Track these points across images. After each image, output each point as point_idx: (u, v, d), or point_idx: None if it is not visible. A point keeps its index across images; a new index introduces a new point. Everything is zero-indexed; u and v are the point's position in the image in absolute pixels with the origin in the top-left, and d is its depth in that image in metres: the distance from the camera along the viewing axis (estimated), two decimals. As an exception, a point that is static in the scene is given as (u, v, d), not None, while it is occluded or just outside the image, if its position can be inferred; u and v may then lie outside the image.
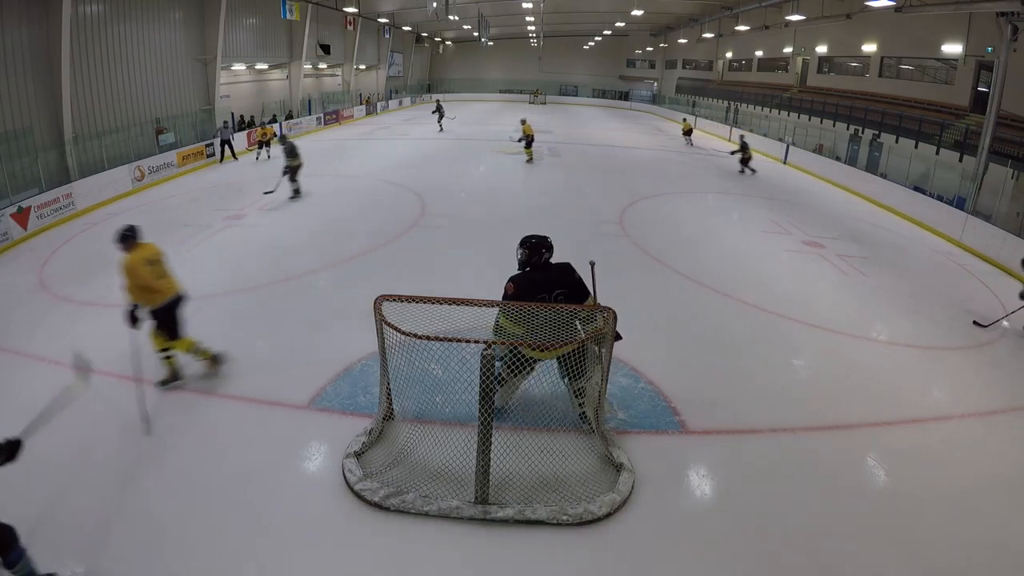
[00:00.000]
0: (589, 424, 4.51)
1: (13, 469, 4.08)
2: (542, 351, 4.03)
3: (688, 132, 23.21)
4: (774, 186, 15.58)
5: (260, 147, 17.60)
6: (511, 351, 4.02)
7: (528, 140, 16.62)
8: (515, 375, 4.37)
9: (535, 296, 4.23)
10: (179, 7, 16.40)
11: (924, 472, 4.41)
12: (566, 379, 4.48)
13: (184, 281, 7.47)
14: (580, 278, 4.49)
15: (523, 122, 17.02)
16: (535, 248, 4.44)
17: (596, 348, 4.35)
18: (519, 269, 4.49)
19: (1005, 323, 7.30)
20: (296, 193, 11.91)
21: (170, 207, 11.54)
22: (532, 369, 4.44)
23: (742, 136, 18.17)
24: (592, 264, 4.74)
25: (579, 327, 4.26)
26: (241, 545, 3.52)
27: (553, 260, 4.56)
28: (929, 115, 16.23)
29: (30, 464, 4.17)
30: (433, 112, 24.96)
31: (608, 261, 8.64)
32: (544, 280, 4.36)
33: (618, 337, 4.39)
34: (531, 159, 16.79)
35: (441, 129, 23.79)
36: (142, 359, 4.98)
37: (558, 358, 4.33)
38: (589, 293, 4.48)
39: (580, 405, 4.59)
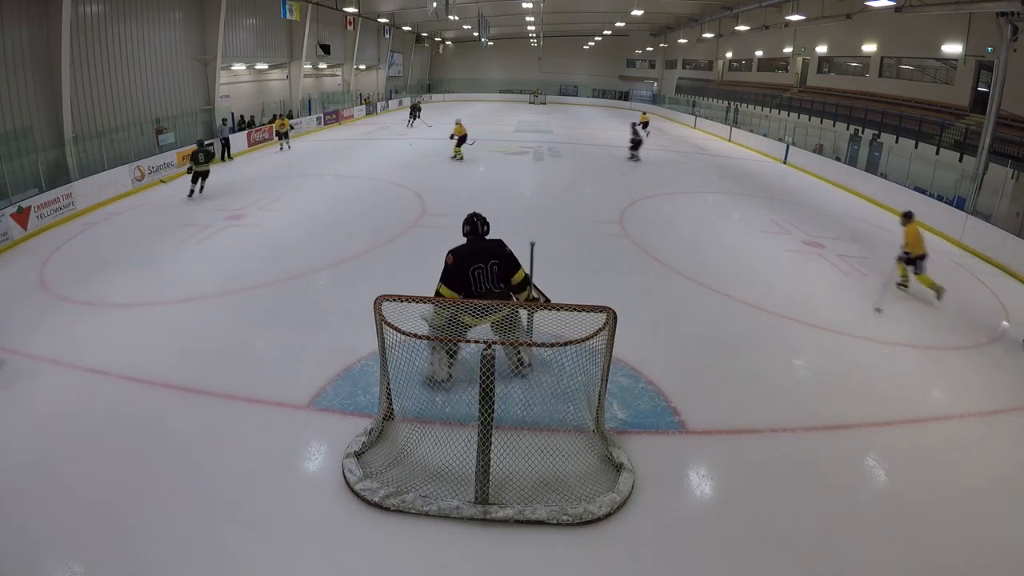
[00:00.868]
0: (528, 369, 5.03)
1: (15, 468, 4.10)
2: (477, 318, 4.52)
3: (645, 124, 24.43)
4: (774, 186, 15.58)
5: (280, 138, 17.94)
6: (447, 319, 4.35)
7: (460, 139, 16.78)
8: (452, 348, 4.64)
9: (471, 264, 4.73)
10: (179, 7, 16.40)
11: (924, 472, 4.41)
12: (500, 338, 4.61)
13: (184, 281, 7.53)
14: (511, 252, 4.91)
15: (457, 122, 17.26)
16: (477, 224, 4.97)
17: (521, 313, 4.99)
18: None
19: (1006, 324, 7.30)
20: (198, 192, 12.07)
21: (170, 207, 11.53)
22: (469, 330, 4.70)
23: (634, 124, 18.97)
24: (532, 245, 5.39)
25: (523, 293, 4.90)
26: (241, 545, 3.52)
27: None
28: (929, 115, 16.23)
29: (31, 464, 4.18)
30: (410, 114, 25.98)
31: (608, 261, 8.69)
32: (479, 251, 4.83)
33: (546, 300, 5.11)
34: (460, 157, 16.89)
35: (411, 125, 24.93)
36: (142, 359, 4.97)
37: (492, 324, 4.73)
38: (520, 265, 4.93)
39: (517, 353, 4.93)
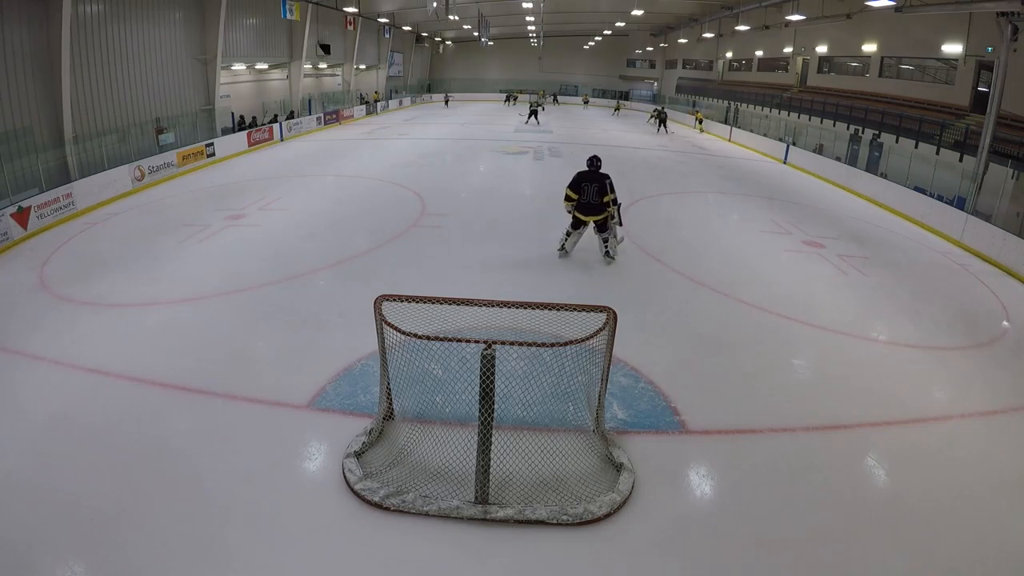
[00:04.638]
0: (612, 259, 8.42)
1: (15, 468, 4.10)
2: (586, 216, 8.15)
3: (700, 121, 28.28)
4: (774, 186, 15.58)
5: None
6: (571, 208, 8.22)
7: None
8: (575, 229, 8.38)
9: (581, 181, 8.07)
10: (179, 7, 16.39)
11: (924, 472, 4.41)
12: (598, 233, 8.35)
13: (184, 281, 7.53)
14: (610, 183, 8.02)
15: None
16: (592, 161, 8.16)
17: (612, 217, 8.17)
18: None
19: (1006, 324, 7.29)
20: None
21: (170, 207, 11.53)
22: (585, 225, 8.29)
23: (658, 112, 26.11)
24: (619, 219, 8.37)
25: (609, 209, 8.07)
26: (241, 544, 3.52)
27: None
28: (929, 115, 16.22)
29: (31, 465, 4.19)
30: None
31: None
32: (588, 175, 8.09)
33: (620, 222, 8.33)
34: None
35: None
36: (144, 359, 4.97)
37: (594, 222, 8.19)
38: (611, 192, 7.99)
39: (605, 242, 8.37)
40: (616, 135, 25.36)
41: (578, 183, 8.06)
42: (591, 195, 7.98)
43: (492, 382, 3.66)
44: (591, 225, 8.28)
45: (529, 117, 27.81)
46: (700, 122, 27.85)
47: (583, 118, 32.65)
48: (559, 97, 42.65)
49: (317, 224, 10.17)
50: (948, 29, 15.92)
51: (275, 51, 22.56)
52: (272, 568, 3.38)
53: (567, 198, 8.18)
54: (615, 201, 8.04)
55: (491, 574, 3.44)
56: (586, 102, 41.59)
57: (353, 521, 3.71)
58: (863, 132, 17.98)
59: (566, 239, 8.51)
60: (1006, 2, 11.98)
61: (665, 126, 27.09)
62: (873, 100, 19.16)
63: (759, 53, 29.15)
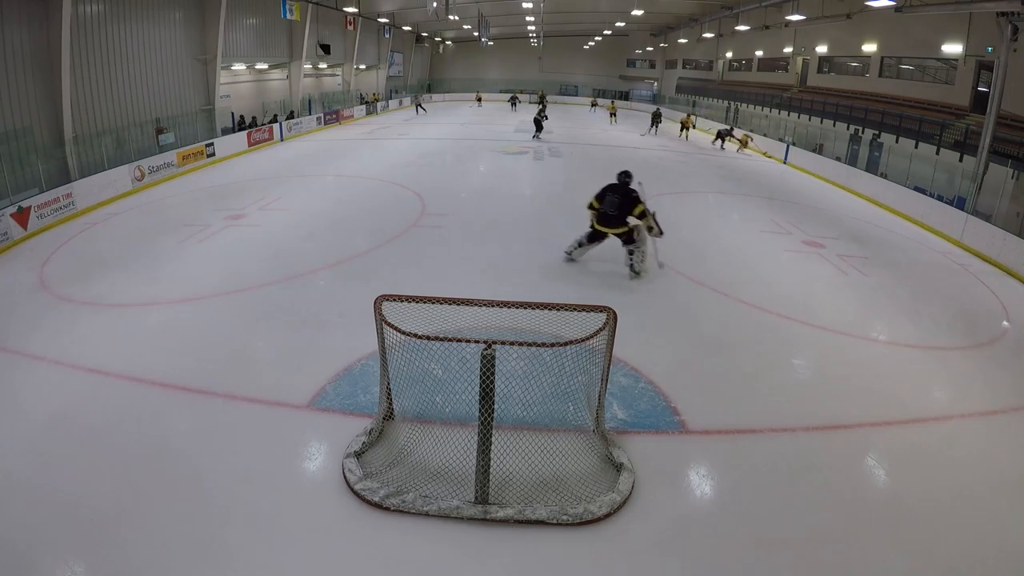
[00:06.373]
0: (635, 274, 8.02)
1: (15, 468, 4.10)
2: (604, 227, 7.91)
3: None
4: (774, 186, 15.58)
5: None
6: (593, 216, 8.01)
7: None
8: (591, 241, 8.15)
9: (607, 191, 7.88)
10: (179, 7, 16.39)
11: (924, 472, 4.41)
12: (624, 246, 8.00)
13: (184, 281, 7.53)
14: (636, 196, 7.79)
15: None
16: (621, 175, 7.92)
17: (644, 230, 7.88)
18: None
19: (1006, 324, 7.29)
20: None
21: (170, 207, 11.53)
22: (602, 238, 8.06)
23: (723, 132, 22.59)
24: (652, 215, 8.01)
25: (631, 221, 7.82)
26: (241, 545, 3.52)
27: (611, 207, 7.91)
28: (929, 115, 16.21)
29: (32, 464, 4.19)
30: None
31: (608, 261, 8.67)
32: (614, 187, 7.88)
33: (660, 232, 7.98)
34: None
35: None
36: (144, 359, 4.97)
37: (616, 235, 7.92)
38: (639, 203, 7.72)
39: (630, 254, 8.00)
40: (616, 135, 25.35)
41: (603, 193, 7.94)
42: (610, 206, 7.80)
43: (492, 382, 3.66)
44: (609, 238, 8.01)
45: (537, 132, 22.45)
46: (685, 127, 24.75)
47: (584, 119, 32.60)
48: (547, 98, 38.41)
49: (317, 224, 10.17)
50: (948, 29, 15.92)
51: (275, 51, 22.55)
52: (272, 568, 3.39)
53: (590, 206, 8.05)
54: (646, 212, 7.73)
55: (491, 574, 3.44)
56: (594, 104, 38.16)
57: (353, 521, 3.71)
58: (863, 132, 17.98)
59: (576, 247, 8.31)
60: (1006, 2, 11.98)
61: (722, 139, 22.40)
62: (873, 100, 19.16)
63: (759, 53, 29.14)
